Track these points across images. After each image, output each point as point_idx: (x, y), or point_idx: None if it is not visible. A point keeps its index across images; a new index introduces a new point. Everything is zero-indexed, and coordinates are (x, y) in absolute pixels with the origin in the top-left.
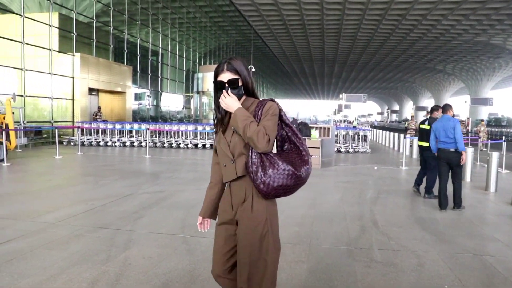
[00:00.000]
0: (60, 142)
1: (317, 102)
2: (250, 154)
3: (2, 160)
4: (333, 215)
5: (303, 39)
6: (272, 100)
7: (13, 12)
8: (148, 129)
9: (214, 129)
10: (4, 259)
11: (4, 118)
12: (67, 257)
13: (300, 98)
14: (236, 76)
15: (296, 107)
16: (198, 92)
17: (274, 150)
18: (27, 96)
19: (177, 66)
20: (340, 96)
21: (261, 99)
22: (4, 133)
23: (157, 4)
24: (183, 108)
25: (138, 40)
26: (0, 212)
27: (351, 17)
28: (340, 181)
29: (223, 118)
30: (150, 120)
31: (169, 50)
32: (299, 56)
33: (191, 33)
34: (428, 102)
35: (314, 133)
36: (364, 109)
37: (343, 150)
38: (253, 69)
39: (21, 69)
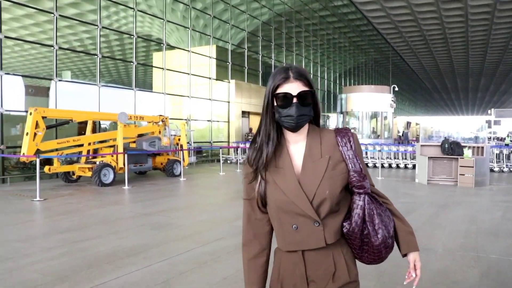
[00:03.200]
0: (218, 160)
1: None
2: (357, 209)
3: (179, 175)
4: (497, 231)
5: (445, 53)
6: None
7: (181, 48)
8: None
9: (247, 164)
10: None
11: (179, 139)
12: None
13: (442, 114)
14: (309, 89)
15: (442, 125)
16: (341, 112)
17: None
18: (192, 119)
19: (318, 88)
20: (489, 111)
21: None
22: (181, 152)
23: (298, 28)
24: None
25: (284, 64)
26: (203, 217)
27: (501, 26)
28: (497, 201)
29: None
30: None
31: (311, 72)
32: (440, 70)
33: (328, 53)
34: None
35: (467, 152)
36: None
37: (496, 169)
38: (396, 89)
39: (188, 96)
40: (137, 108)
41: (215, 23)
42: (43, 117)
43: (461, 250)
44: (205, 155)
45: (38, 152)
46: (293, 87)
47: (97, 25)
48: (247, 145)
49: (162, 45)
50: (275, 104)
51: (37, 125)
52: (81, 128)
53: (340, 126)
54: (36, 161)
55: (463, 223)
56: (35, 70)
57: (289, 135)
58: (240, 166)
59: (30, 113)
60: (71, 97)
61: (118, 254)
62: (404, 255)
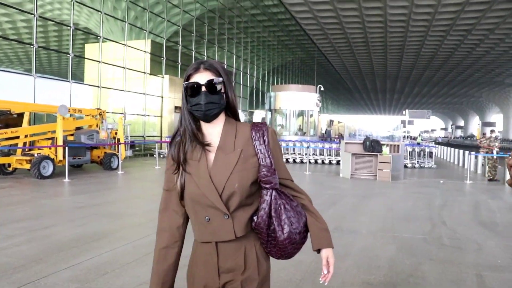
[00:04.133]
0: (151, 155)
1: (378, 118)
2: (263, 204)
3: (116, 169)
4: (409, 216)
5: (366, 56)
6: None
7: (116, 42)
8: None
9: (169, 157)
10: None
11: (116, 133)
12: None
13: (362, 113)
14: (218, 77)
15: (364, 124)
16: (270, 110)
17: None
18: (127, 114)
19: (241, 83)
20: (404, 112)
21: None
22: (118, 146)
23: (229, 25)
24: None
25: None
26: (151, 206)
27: (415, 33)
28: (410, 192)
29: (196, 138)
30: None
31: (234, 67)
32: (362, 72)
33: (257, 51)
34: (496, 117)
35: (385, 150)
36: (427, 124)
37: (409, 165)
38: (321, 89)
39: (123, 90)
40: (72, 100)
41: (146, 15)
42: None
43: (381, 231)
44: (138, 149)
45: None
46: (203, 77)
47: (33, 14)
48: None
49: (99, 37)
50: (186, 94)
51: None
52: (8, 120)
53: (270, 124)
54: None
55: (382, 210)
56: None
57: (204, 127)
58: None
59: None
60: (4, 87)
61: (81, 239)
62: (317, 251)
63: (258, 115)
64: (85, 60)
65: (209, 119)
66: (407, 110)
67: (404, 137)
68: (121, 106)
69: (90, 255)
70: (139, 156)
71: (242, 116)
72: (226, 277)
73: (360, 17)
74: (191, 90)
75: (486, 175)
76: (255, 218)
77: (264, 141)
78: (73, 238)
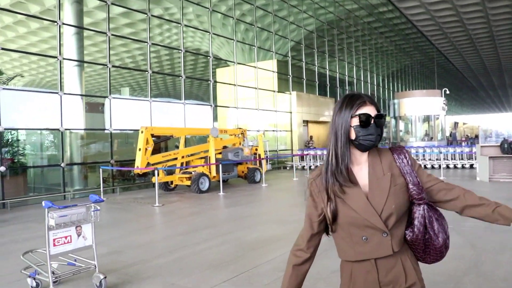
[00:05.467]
0: (284, 167)
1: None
2: (419, 217)
3: (259, 182)
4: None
5: (492, 51)
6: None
7: (248, 65)
8: None
9: (314, 186)
10: None
11: (256, 149)
12: None
13: (489, 112)
14: (382, 113)
15: (496, 124)
16: (394, 117)
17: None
18: (262, 130)
19: (363, 91)
20: None
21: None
22: (259, 161)
23: (342, 35)
24: None
25: (337, 74)
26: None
27: None
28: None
29: (342, 171)
30: None
31: (354, 77)
32: (487, 68)
33: (374, 58)
34: None
35: None
36: None
37: None
38: (447, 92)
39: (256, 109)
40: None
41: (263, 34)
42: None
43: None
44: (272, 162)
45: (148, 164)
46: (371, 110)
47: (146, 42)
48: (311, 152)
49: (233, 63)
50: (353, 125)
51: (147, 142)
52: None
53: (393, 129)
54: (155, 172)
55: None
56: (89, 88)
57: (354, 157)
58: (304, 171)
59: (142, 131)
60: (125, 112)
61: (264, 241)
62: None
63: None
64: (217, 84)
65: (370, 149)
66: None
67: None
68: (255, 124)
69: (279, 252)
70: (274, 169)
71: None
72: None
73: (483, 11)
74: (364, 121)
75: None
76: (408, 232)
77: (407, 162)
78: (256, 240)
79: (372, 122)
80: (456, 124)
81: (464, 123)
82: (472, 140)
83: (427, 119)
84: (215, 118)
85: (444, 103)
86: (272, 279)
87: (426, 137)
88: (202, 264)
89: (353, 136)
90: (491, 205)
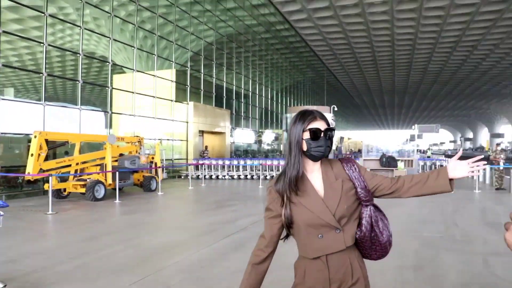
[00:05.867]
0: (179, 176)
1: (388, 133)
2: (366, 217)
3: (155, 190)
4: (426, 220)
5: (374, 73)
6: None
7: (147, 73)
8: (262, 164)
9: (272, 191)
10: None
11: (152, 158)
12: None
13: (370, 129)
14: (331, 127)
15: (377, 140)
16: (286, 130)
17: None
18: (159, 139)
19: (255, 104)
20: (413, 127)
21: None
22: (155, 169)
23: (240, 49)
24: (255, 143)
25: (234, 86)
26: (211, 219)
27: (422, 50)
28: (425, 201)
29: (296, 180)
30: (250, 156)
31: (249, 90)
32: (370, 88)
33: (269, 73)
34: (505, 128)
35: (400, 165)
36: (436, 137)
37: None
38: (335, 109)
39: (153, 117)
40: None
41: (162, 43)
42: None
43: (405, 232)
44: (167, 171)
45: (41, 171)
46: (321, 124)
47: (42, 42)
48: (205, 161)
49: (132, 70)
50: (305, 138)
51: (40, 147)
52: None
53: (285, 141)
54: (49, 178)
55: (403, 216)
56: None
57: (308, 166)
58: (199, 181)
59: (35, 136)
60: (14, 115)
61: (167, 246)
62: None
63: (269, 136)
64: (113, 90)
65: (321, 159)
66: (416, 125)
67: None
68: (152, 132)
69: (182, 256)
70: (169, 178)
71: (253, 136)
72: (335, 286)
73: (368, 37)
74: (314, 134)
75: (494, 185)
76: (357, 231)
77: (355, 169)
78: (160, 245)
79: (321, 135)
80: (342, 139)
81: (349, 138)
82: (356, 154)
83: None
84: (110, 125)
85: (332, 119)
86: (178, 280)
87: None
88: (107, 269)
89: (305, 148)
90: (423, 180)
